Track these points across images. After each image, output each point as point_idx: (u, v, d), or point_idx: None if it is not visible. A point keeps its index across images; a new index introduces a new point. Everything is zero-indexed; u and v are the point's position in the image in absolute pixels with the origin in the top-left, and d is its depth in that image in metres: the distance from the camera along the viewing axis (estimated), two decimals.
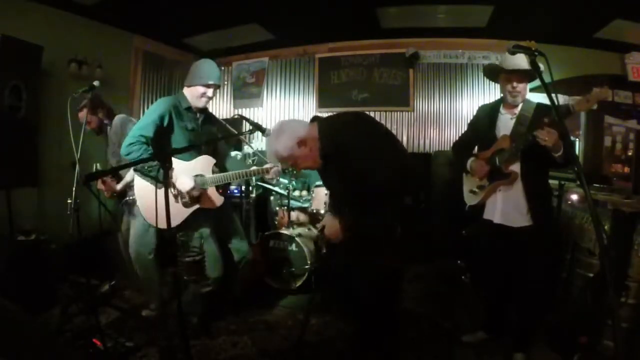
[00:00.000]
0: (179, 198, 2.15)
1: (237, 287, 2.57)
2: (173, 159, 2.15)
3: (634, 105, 3.95)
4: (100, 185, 2.73)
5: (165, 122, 2.14)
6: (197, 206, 2.18)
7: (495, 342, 2.21)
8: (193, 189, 2.11)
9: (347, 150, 1.70)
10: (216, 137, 2.45)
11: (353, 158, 1.69)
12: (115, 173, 2.65)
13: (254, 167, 2.24)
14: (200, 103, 2.23)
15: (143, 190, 2.20)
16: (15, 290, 2.35)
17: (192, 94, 2.23)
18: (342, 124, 1.82)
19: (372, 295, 1.93)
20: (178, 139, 2.19)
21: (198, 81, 2.20)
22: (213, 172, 2.21)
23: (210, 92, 2.22)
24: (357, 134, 1.75)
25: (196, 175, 2.15)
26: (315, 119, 1.81)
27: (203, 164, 2.20)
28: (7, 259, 2.47)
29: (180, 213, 2.15)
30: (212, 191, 2.21)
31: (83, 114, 2.56)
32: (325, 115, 1.97)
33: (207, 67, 2.24)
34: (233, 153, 2.60)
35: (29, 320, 1.43)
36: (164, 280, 2.62)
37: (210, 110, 2.44)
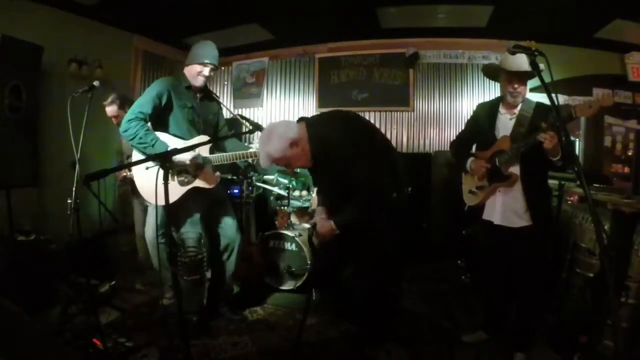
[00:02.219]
0: (175, 176, 2.16)
1: (230, 279, 2.58)
2: (171, 137, 2.20)
3: (634, 105, 3.96)
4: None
5: (164, 100, 2.18)
6: (192, 185, 2.20)
7: (495, 342, 2.21)
8: (194, 158, 2.12)
9: (335, 148, 1.76)
10: (217, 122, 2.50)
11: (341, 156, 1.75)
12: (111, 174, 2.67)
13: (252, 150, 2.27)
14: (197, 82, 2.28)
15: (140, 169, 2.22)
16: (15, 290, 2.34)
17: (190, 73, 2.28)
18: (330, 123, 1.88)
19: (371, 287, 1.98)
20: (177, 117, 2.23)
21: (195, 60, 2.26)
22: (211, 153, 2.24)
23: (206, 70, 2.26)
24: (345, 132, 1.81)
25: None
26: (302, 119, 1.86)
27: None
28: (7, 259, 2.47)
29: (175, 191, 2.15)
30: (208, 171, 2.24)
31: (111, 109, 2.72)
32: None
33: (204, 47, 2.30)
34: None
35: (29, 320, 1.43)
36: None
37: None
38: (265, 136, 1.74)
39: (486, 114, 2.13)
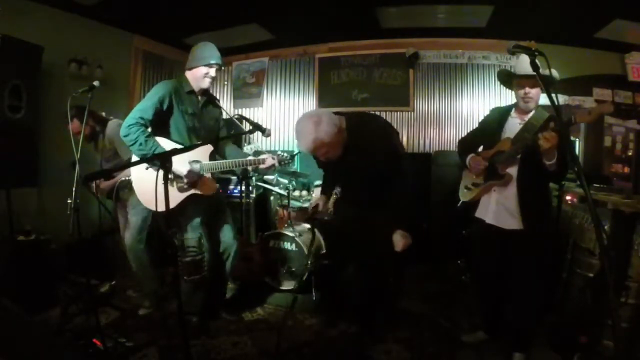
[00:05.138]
0: (174, 182, 2.14)
1: (227, 282, 2.58)
2: (171, 142, 2.17)
3: (634, 105, 3.95)
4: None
5: (165, 106, 2.15)
6: (191, 192, 2.18)
7: (495, 342, 2.21)
8: (189, 172, 2.11)
9: (376, 141, 1.91)
10: (218, 128, 2.46)
11: (381, 150, 1.91)
12: (110, 175, 2.65)
13: (250, 157, 2.25)
14: (204, 84, 2.25)
15: (140, 173, 2.20)
16: (15, 290, 2.35)
17: (195, 76, 2.24)
18: (368, 120, 2.07)
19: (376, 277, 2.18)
20: (178, 123, 2.20)
21: (200, 62, 2.22)
22: (210, 159, 2.22)
23: (212, 71, 2.24)
24: (384, 129, 2.02)
25: (192, 161, 2.15)
26: (338, 113, 1.95)
27: (201, 149, 2.18)
28: (7, 259, 2.47)
29: (174, 197, 2.13)
30: (207, 178, 2.23)
31: (74, 126, 2.42)
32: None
33: (207, 49, 2.27)
34: (245, 148, 2.62)
35: (29, 320, 1.43)
36: (160, 277, 2.65)
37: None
38: (314, 121, 1.75)
39: (497, 117, 2.14)
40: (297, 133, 1.83)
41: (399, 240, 1.94)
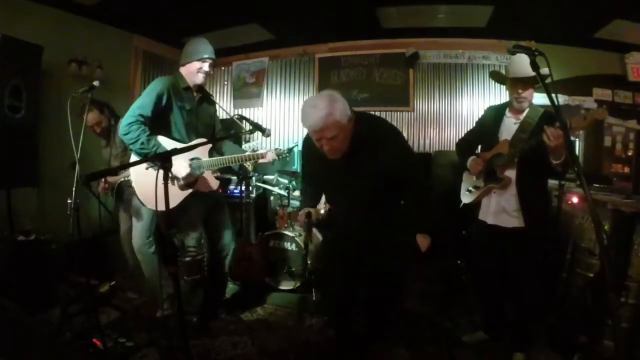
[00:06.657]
0: (175, 181, 2.13)
1: (225, 281, 2.58)
2: (170, 140, 2.17)
3: (634, 105, 3.96)
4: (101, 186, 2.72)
5: (164, 102, 2.14)
6: (192, 189, 2.18)
7: (495, 342, 2.21)
8: (188, 175, 2.10)
9: (385, 142, 1.73)
10: (214, 124, 2.47)
11: (390, 154, 1.70)
12: (115, 173, 2.65)
13: (249, 152, 2.26)
14: (198, 79, 2.24)
15: (140, 173, 2.19)
16: (15, 290, 2.35)
17: (189, 71, 2.24)
18: (379, 119, 1.96)
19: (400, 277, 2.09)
20: (176, 119, 2.20)
21: (193, 57, 2.22)
22: (210, 156, 2.22)
23: (206, 66, 2.23)
24: (393, 129, 1.86)
25: (192, 159, 2.15)
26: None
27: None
28: (7, 259, 2.47)
29: (176, 196, 2.12)
30: (208, 175, 2.23)
31: (94, 116, 2.51)
32: None
33: (200, 44, 2.26)
34: (244, 146, 2.62)
35: (29, 320, 1.43)
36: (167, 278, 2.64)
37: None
38: (329, 97, 1.54)
39: (493, 116, 2.15)
40: (306, 108, 1.55)
41: (423, 242, 1.95)
